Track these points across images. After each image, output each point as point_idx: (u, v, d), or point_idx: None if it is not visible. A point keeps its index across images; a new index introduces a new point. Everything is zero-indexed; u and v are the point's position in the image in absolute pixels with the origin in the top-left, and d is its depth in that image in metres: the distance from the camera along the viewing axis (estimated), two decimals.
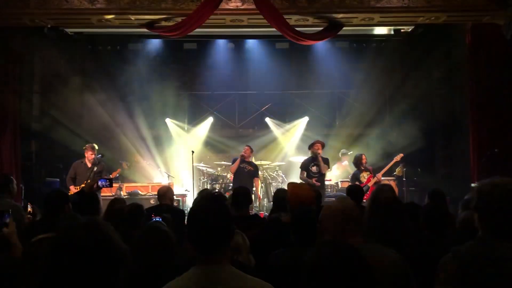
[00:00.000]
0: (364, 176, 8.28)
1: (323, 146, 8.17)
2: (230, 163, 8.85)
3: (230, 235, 1.86)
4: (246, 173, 8.45)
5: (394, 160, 8.52)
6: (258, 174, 8.87)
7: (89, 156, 7.75)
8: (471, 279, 1.87)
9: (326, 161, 8.17)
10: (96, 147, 7.95)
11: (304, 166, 8.19)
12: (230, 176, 9.32)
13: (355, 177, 8.38)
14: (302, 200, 3.41)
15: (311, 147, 8.21)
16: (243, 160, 8.51)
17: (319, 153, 8.00)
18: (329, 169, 8.49)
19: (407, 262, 2.30)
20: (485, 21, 7.90)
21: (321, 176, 8.02)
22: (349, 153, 10.03)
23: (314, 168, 8.04)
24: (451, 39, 10.24)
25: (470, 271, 1.88)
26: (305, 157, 8.92)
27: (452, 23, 9.03)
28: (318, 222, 2.43)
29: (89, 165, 7.71)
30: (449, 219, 3.40)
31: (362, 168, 8.34)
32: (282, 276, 2.60)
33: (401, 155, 8.55)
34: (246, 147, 8.67)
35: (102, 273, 1.31)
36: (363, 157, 8.43)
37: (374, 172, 8.38)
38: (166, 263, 2.37)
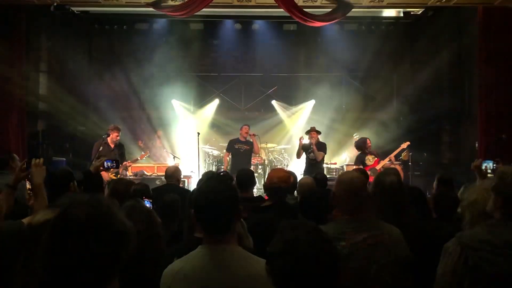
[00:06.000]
0: (370, 159, 8.25)
1: (319, 133, 8.37)
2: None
3: (238, 215, 1.85)
4: (243, 153, 8.42)
5: (401, 148, 8.42)
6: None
7: (114, 137, 7.62)
8: (473, 264, 1.87)
9: (323, 147, 8.27)
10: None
11: (306, 150, 8.33)
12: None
13: (360, 160, 8.34)
14: (274, 181, 3.62)
15: (307, 133, 8.40)
16: (239, 140, 8.49)
17: (312, 142, 8.15)
18: (325, 154, 8.51)
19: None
20: (497, 4, 7.75)
21: (316, 162, 8.15)
22: (354, 135, 9.97)
23: (311, 155, 8.19)
24: (462, 22, 10.08)
25: (473, 255, 1.88)
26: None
27: (463, 6, 8.87)
28: (331, 199, 2.44)
29: (112, 146, 7.61)
30: (457, 205, 3.41)
31: (367, 151, 8.31)
32: None
33: (408, 143, 8.43)
34: (244, 126, 8.61)
35: (105, 252, 1.29)
36: (368, 141, 8.39)
37: (379, 156, 8.33)
38: (151, 243, 2.36)
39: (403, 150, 8.55)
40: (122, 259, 1.33)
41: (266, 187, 3.69)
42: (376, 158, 8.23)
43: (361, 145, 8.41)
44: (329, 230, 2.27)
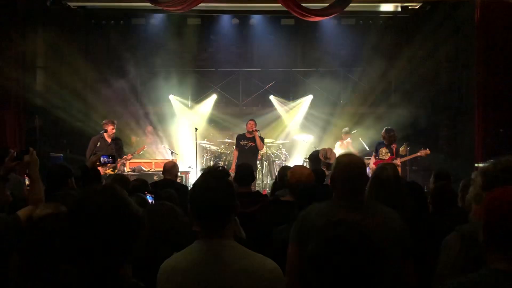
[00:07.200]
0: (383, 153, 8.08)
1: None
2: (234, 141, 8.81)
3: (234, 210, 1.85)
4: (248, 150, 8.38)
5: (419, 154, 8.21)
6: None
7: (110, 131, 7.56)
8: (474, 256, 1.88)
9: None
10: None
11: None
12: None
13: (376, 148, 8.17)
14: (302, 180, 3.41)
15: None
16: (244, 137, 8.45)
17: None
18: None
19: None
20: None
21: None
22: (352, 132, 9.97)
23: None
24: (460, 16, 10.08)
25: (474, 248, 1.88)
26: (309, 136, 8.90)
27: (461, 0, 8.87)
28: (330, 181, 2.39)
29: (109, 140, 7.57)
30: (455, 199, 3.42)
31: (386, 143, 8.06)
32: (286, 250, 2.62)
33: (428, 151, 8.19)
34: (249, 121, 8.53)
35: (120, 237, 1.35)
36: (383, 132, 8.15)
37: (396, 151, 8.17)
38: (173, 238, 2.39)
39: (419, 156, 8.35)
40: (136, 243, 1.39)
41: (292, 184, 3.47)
42: (390, 155, 8.05)
43: (382, 134, 8.25)
44: (322, 208, 2.27)
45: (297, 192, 3.30)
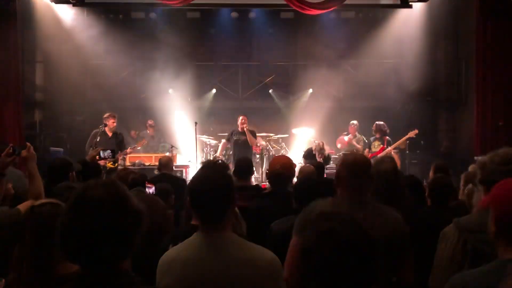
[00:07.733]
0: (375, 146, 8.22)
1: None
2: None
3: (233, 203, 1.87)
4: (241, 144, 8.45)
5: (408, 136, 8.33)
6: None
7: (111, 124, 7.48)
8: (472, 247, 1.89)
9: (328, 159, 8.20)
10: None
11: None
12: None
13: (368, 143, 8.45)
14: (276, 168, 3.50)
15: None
16: (237, 131, 8.51)
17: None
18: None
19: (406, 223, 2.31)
20: None
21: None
22: (352, 124, 9.93)
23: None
24: (459, 9, 10.05)
25: (471, 238, 1.90)
26: (309, 129, 8.89)
27: None
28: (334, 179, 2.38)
29: (109, 134, 7.49)
30: (453, 192, 3.43)
31: (377, 136, 8.30)
32: (285, 242, 2.64)
33: (416, 131, 8.34)
34: (240, 117, 8.59)
35: (121, 231, 1.35)
36: (374, 125, 8.39)
37: (388, 143, 8.26)
38: (157, 227, 2.41)
39: (410, 138, 8.47)
40: (136, 238, 1.39)
41: (268, 174, 3.57)
42: (381, 146, 8.17)
43: (373, 128, 8.41)
44: (326, 204, 2.27)
45: (273, 181, 3.46)
